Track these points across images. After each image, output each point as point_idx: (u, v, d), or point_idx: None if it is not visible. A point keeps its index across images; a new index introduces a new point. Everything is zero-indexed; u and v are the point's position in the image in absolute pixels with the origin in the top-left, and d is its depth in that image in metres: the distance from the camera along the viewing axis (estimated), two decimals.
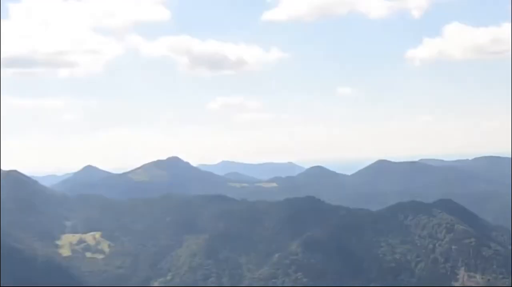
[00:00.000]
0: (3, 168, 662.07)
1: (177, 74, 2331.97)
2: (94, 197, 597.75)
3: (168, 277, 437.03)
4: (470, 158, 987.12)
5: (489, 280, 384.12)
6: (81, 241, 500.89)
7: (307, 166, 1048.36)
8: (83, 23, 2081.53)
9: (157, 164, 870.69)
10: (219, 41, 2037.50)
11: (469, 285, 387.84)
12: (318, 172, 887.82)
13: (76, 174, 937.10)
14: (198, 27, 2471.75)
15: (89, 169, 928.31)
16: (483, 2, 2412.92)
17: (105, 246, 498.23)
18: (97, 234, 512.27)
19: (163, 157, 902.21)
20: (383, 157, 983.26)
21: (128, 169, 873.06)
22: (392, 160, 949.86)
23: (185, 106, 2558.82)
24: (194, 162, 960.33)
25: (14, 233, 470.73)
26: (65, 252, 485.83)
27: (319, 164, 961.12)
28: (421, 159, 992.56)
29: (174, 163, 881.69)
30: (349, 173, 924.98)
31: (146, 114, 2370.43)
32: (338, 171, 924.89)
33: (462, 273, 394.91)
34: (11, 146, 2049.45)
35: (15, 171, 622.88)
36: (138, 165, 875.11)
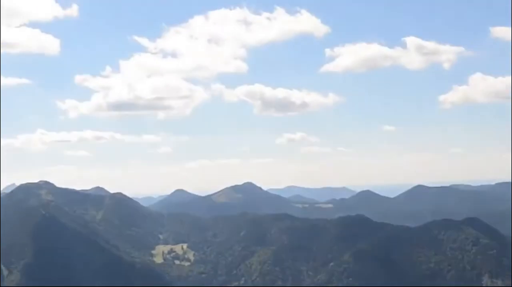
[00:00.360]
0: (111, 191, 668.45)
1: (252, 115, 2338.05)
2: (183, 215, 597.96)
3: (242, 281, 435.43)
4: (493, 183, 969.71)
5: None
6: (171, 251, 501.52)
7: (357, 190, 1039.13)
8: (178, 75, 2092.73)
9: (235, 188, 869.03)
10: (286, 89, 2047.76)
11: None
12: (367, 195, 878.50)
13: (169, 196, 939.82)
14: (269, 77, 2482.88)
15: (179, 192, 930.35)
16: (500, 57, 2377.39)
17: (190, 255, 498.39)
18: (185, 246, 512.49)
19: (240, 182, 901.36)
20: (420, 182, 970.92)
21: (211, 192, 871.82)
22: (428, 185, 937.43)
23: (258, 141, 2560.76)
24: (264, 187, 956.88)
25: (118, 244, 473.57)
26: (159, 259, 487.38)
27: (368, 188, 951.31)
28: (452, 184, 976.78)
29: (248, 187, 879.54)
30: (392, 196, 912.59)
31: (227, 147, 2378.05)
32: (383, 194, 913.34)
33: (486, 279, 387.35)
34: (118, 173, 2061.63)
35: (120, 193, 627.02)
36: (219, 189, 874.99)
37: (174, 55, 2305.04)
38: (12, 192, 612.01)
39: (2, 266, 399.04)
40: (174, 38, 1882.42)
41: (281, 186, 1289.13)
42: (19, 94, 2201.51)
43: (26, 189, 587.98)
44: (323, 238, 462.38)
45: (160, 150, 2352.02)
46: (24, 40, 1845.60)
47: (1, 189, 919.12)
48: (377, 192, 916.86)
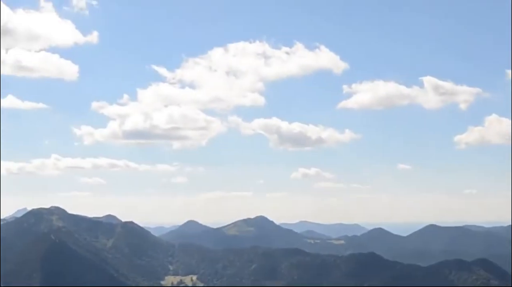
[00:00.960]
0: (123, 219, 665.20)
1: (268, 149, 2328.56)
2: (194, 246, 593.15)
3: None
4: (506, 225, 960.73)
5: None
6: (181, 283, 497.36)
7: (370, 227, 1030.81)
8: (195, 105, 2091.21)
9: (247, 221, 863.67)
10: (302, 123, 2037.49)
11: None
12: (379, 233, 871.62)
13: (180, 226, 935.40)
14: (286, 111, 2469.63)
15: (191, 223, 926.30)
16: None
17: None
18: (194, 277, 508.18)
19: (252, 216, 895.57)
20: (433, 222, 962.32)
21: (223, 225, 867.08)
22: (441, 225, 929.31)
23: (272, 174, 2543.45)
24: (277, 221, 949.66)
25: (127, 273, 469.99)
26: None
27: (380, 226, 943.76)
28: (464, 225, 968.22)
29: (260, 221, 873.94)
30: (404, 234, 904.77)
31: (241, 180, 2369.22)
32: (395, 232, 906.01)
33: None
34: (130, 202, 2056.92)
35: (131, 222, 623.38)
36: (231, 222, 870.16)
37: (192, 85, 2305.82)
38: (23, 216, 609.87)
39: None
40: (193, 69, 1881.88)
41: (294, 221, 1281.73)
42: (35, 118, 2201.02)
43: (38, 214, 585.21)
44: (334, 274, 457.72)
45: (174, 180, 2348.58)
46: (43, 64, 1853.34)
47: (12, 213, 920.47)
48: (389, 230, 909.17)
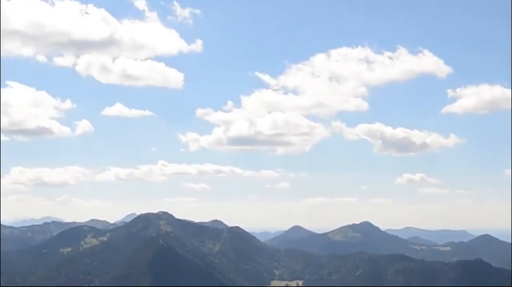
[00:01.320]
0: (229, 224, 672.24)
1: (372, 155, 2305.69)
2: (299, 252, 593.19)
3: None
4: None
5: None
6: None
7: (477, 233, 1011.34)
8: (298, 111, 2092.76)
9: (352, 227, 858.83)
10: (407, 128, 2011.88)
11: None
12: (486, 239, 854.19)
13: (285, 232, 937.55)
14: (390, 116, 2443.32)
15: (296, 228, 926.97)
16: None
17: None
18: (300, 282, 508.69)
19: (357, 221, 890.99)
20: None
21: (328, 230, 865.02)
22: None
23: (377, 180, 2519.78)
24: (382, 227, 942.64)
25: (234, 277, 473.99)
26: None
27: (487, 233, 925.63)
28: None
29: (366, 227, 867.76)
30: None
31: (345, 186, 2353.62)
32: (502, 239, 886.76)
33: None
34: (236, 207, 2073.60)
35: (237, 227, 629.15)
36: (336, 227, 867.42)
37: (295, 91, 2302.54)
38: (132, 221, 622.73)
39: None
40: (296, 75, 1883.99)
41: (399, 227, 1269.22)
42: (142, 126, 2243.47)
43: (146, 219, 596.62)
44: (440, 281, 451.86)
45: (278, 186, 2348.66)
46: (149, 73, 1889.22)
47: (121, 218, 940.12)
48: (496, 236, 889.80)
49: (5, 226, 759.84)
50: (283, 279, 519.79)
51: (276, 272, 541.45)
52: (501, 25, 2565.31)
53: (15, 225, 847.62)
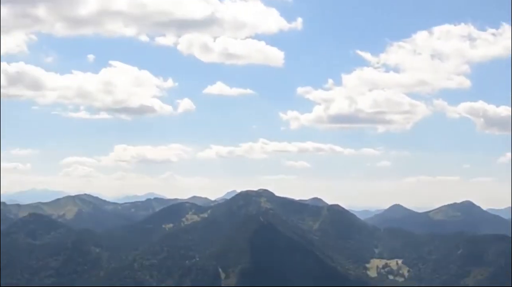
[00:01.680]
0: (328, 202, 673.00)
1: (474, 133, 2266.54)
2: (399, 230, 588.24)
3: None
4: None
5: None
6: (386, 266, 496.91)
7: None
8: (399, 89, 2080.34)
9: (453, 206, 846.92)
10: (510, 107, 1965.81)
11: None
12: None
13: (385, 211, 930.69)
14: (493, 94, 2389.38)
15: (396, 207, 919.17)
16: None
17: (405, 271, 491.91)
18: (400, 261, 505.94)
19: (458, 200, 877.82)
20: None
21: (428, 209, 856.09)
22: None
23: (479, 159, 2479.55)
24: (484, 206, 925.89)
25: (333, 255, 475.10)
26: (373, 273, 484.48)
27: None
28: None
29: (467, 206, 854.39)
30: None
31: (446, 164, 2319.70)
32: None
33: None
34: (336, 185, 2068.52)
35: (337, 205, 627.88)
36: (436, 206, 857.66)
37: (396, 69, 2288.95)
38: (232, 198, 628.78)
39: (220, 269, 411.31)
40: (397, 52, 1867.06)
41: (501, 206, 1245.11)
42: (243, 104, 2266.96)
43: (246, 196, 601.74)
44: None
45: (379, 164, 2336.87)
46: (249, 52, 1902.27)
47: (222, 195, 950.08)
48: None
49: (109, 202, 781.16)
50: (382, 258, 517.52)
51: (376, 251, 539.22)
52: None
53: (118, 201, 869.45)
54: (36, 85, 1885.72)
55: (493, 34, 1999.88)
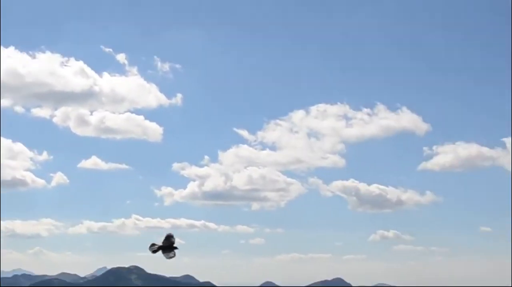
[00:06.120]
0: (200, 280, 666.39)
1: (346, 211, 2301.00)
2: None
3: None
4: None
5: None
6: None
7: None
8: (275, 167, 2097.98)
9: (324, 283, 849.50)
10: (382, 185, 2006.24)
11: None
12: None
13: None
14: (366, 173, 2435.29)
15: (268, 284, 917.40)
16: None
17: None
18: None
19: (329, 278, 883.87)
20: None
21: (300, 286, 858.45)
22: None
23: (351, 237, 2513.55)
24: (354, 283, 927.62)
25: None
26: None
27: None
28: None
29: (337, 283, 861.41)
30: None
31: (319, 242, 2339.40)
32: None
33: None
34: (208, 262, 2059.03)
35: (208, 282, 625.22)
36: (308, 283, 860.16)
37: (273, 147, 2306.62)
38: (103, 275, 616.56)
39: None
40: (274, 130, 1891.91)
41: (371, 283, 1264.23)
42: (118, 179, 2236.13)
43: (117, 273, 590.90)
44: None
45: (253, 241, 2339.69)
46: (128, 126, 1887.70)
47: (92, 271, 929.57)
48: None
49: None
50: None
51: None
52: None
53: None
54: None
55: (368, 114, 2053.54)
